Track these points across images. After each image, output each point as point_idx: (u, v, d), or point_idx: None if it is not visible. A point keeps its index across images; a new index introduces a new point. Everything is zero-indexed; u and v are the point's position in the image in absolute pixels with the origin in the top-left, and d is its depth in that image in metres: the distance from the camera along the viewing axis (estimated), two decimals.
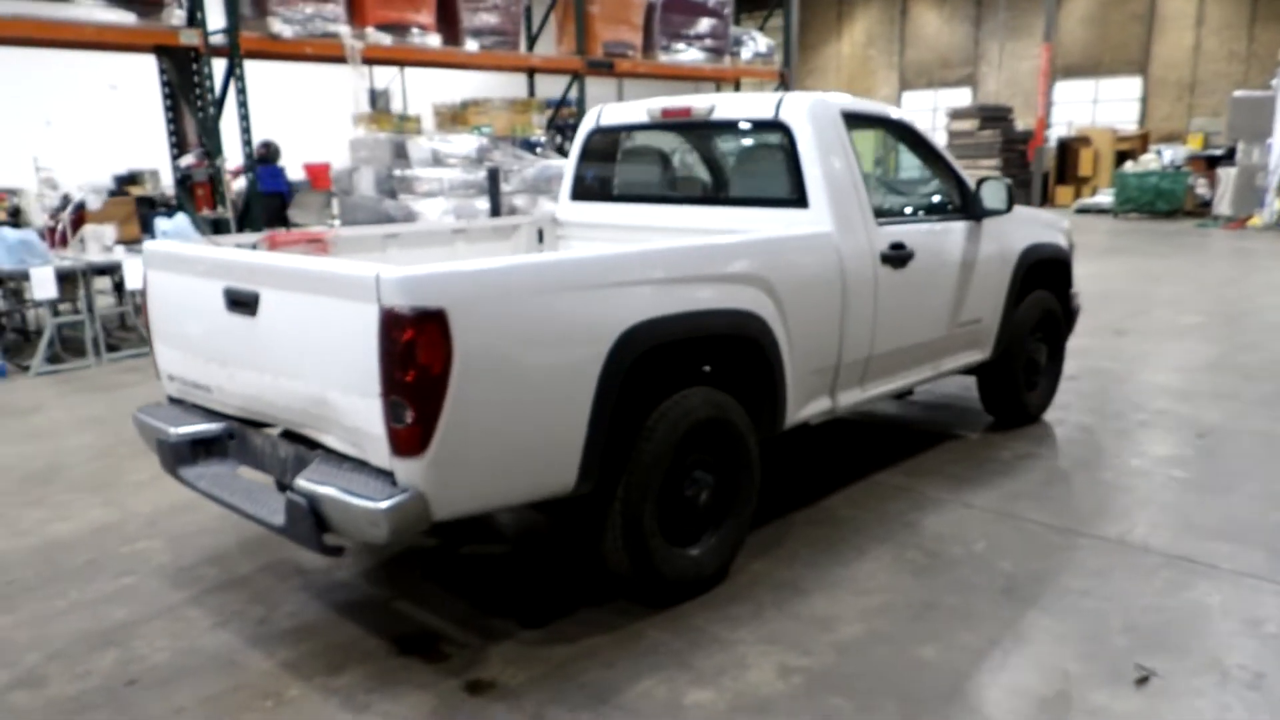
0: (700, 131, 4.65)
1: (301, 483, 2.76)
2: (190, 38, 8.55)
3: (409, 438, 2.58)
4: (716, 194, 4.60)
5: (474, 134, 10.81)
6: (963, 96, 28.94)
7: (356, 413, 2.70)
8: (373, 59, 9.87)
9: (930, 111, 28.93)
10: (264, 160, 11.53)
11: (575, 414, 2.90)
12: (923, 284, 4.37)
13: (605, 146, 4.84)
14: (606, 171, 4.87)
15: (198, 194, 9.53)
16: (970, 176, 4.83)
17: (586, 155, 4.89)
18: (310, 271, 2.80)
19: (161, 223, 8.76)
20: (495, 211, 10.83)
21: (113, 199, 9.77)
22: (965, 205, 4.70)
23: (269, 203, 11.02)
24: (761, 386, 3.64)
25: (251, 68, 9.20)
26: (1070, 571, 3.58)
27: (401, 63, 10.53)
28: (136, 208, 9.67)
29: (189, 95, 9.08)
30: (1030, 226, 5.22)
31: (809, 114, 3.98)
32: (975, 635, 3.14)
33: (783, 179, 4.07)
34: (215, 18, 8.88)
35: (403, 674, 2.96)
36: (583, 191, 4.91)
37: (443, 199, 10.21)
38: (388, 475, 2.68)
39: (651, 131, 4.73)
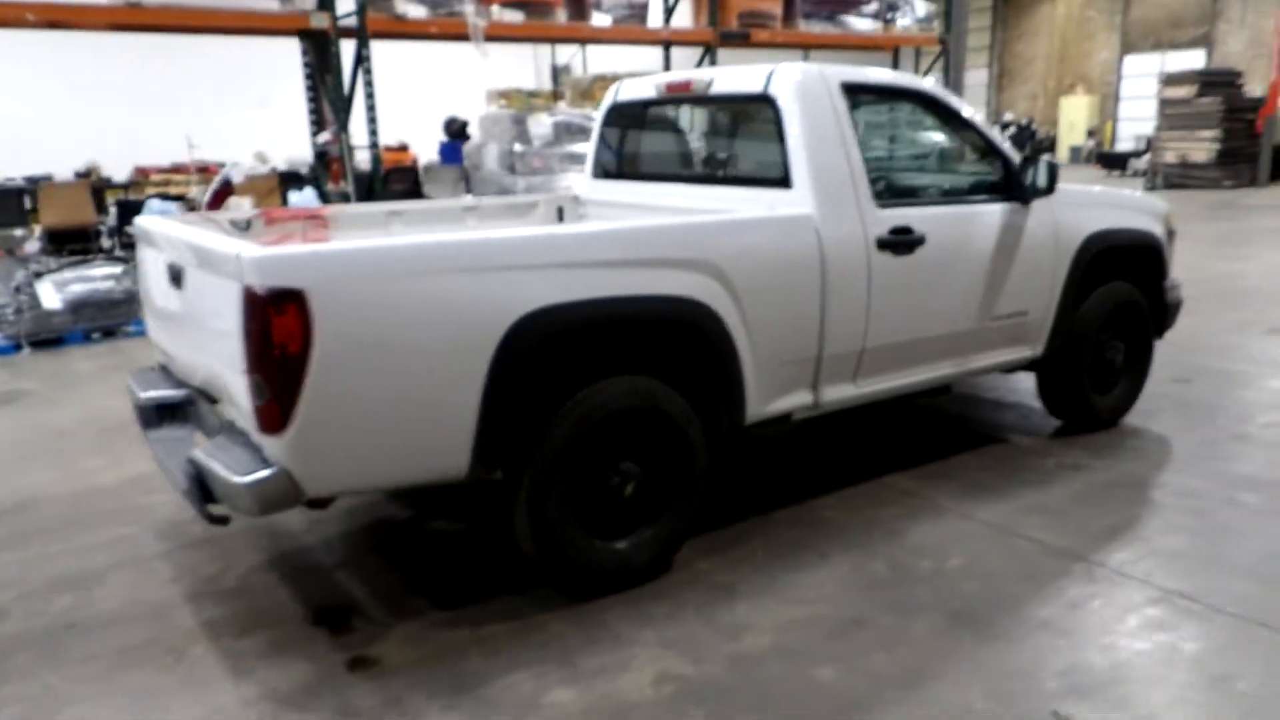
0: (702, 107, 4.44)
1: (195, 453, 2.87)
2: (320, 21, 9.04)
3: (269, 415, 2.63)
4: (715, 173, 4.39)
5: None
6: (1195, 59, 26.09)
7: (236, 388, 2.78)
8: (497, 35, 10.05)
9: (1153, 77, 26.35)
10: (455, 135, 12.00)
11: (462, 399, 2.86)
12: (939, 272, 4.00)
13: (623, 123, 4.71)
14: (624, 149, 4.75)
15: (332, 169, 10.14)
16: (1019, 156, 4.37)
17: (606, 132, 4.78)
18: (203, 248, 2.90)
19: (291, 195, 9.39)
20: None
21: (261, 176, 10.51)
22: (1008, 186, 4.25)
23: (448, 175, 11.49)
24: (714, 377, 3.45)
25: (395, 49, 9.62)
26: (1040, 599, 3.19)
27: (527, 39, 10.68)
28: (280, 182, 10.37)
29: (324, 76, 9.62)
30: (1101, 210, 4.66)
31: (797, 88, 3.71)
32: (890, 660, 2.86)
33: (770, 157, 3.82)
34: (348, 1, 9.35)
35: (302, 643, 3.04)
36: (602, 169, 4.82)
37: (563, 174, 10.36)
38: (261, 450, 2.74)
39: (663, 108, 4.56)
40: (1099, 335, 4.72)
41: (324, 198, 9.36)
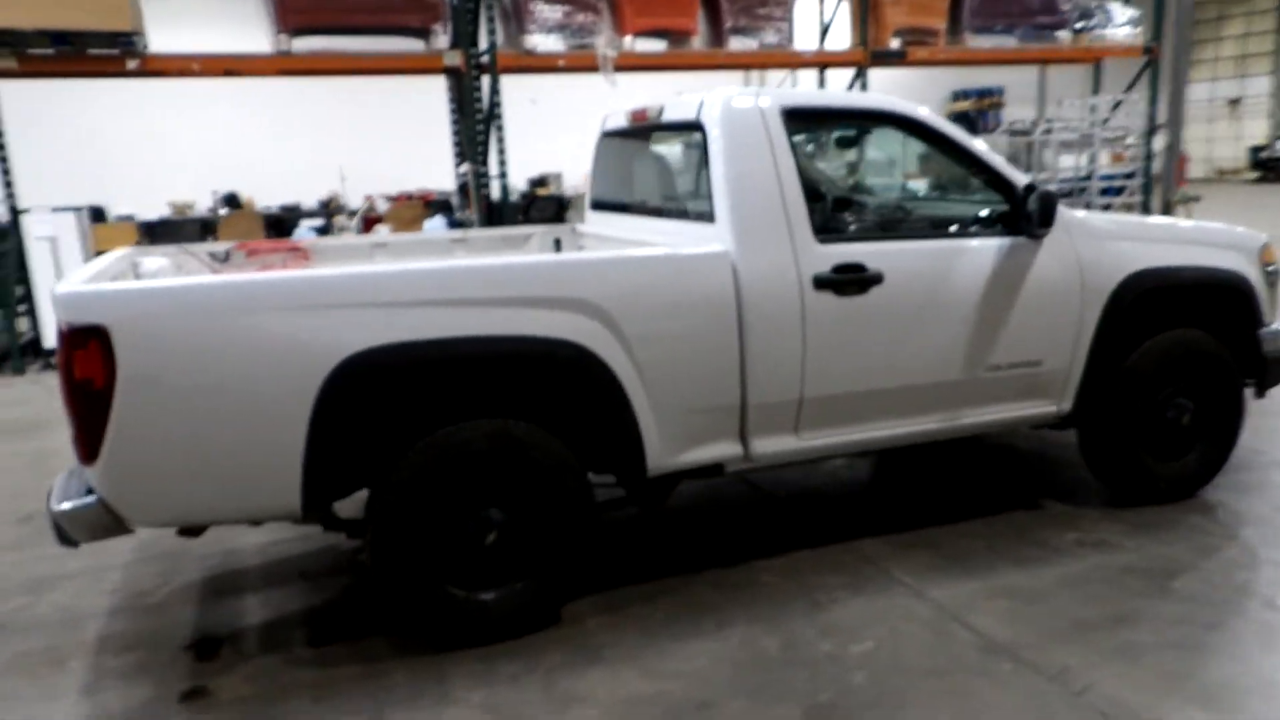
0: (656, 136, 4.19)
1: (58, 478, 3.03)
2: (453, 59, 9.48)
3: (80, 446, 2.72)
4: (670, 206, 4.10)
5: None
6: None
7: None
8: (629, 66, 10.10)
9: None
10: None
11: (286, 440, 2.82)
12: (904, 315, 3.54)
13: (610, 154, 4.55)
14: (611, 180, 4.58)
15: (470, 198, 10.57)
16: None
17: (597, 162, 4.64)
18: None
19: (426, 224, 9.89)
20: None
21: (403, 203, 11.16)
22: (1011, 218, 3.70)
23: None
24: (603, 425, 3.22)
25: (570, 82, 9.86)
26: (939, 703, 2.71)
27: (659, 68, 10.64)
28: (425, 209, 10.96)
29: (462, 110, 10.08)
30: (1151, 244, 3.96)
31: (723, 116, 3.42)
32: None
33: (702, 190, 3.55)
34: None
35: (162, 668, 3.11)
36: (596, 201, 4.68)
37: None
38: None
39: (639, 139, 4.35)
40: (1155, 391, 3.99)
41: (453, 224, 9.77)
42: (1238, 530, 3.81)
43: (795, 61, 10.99)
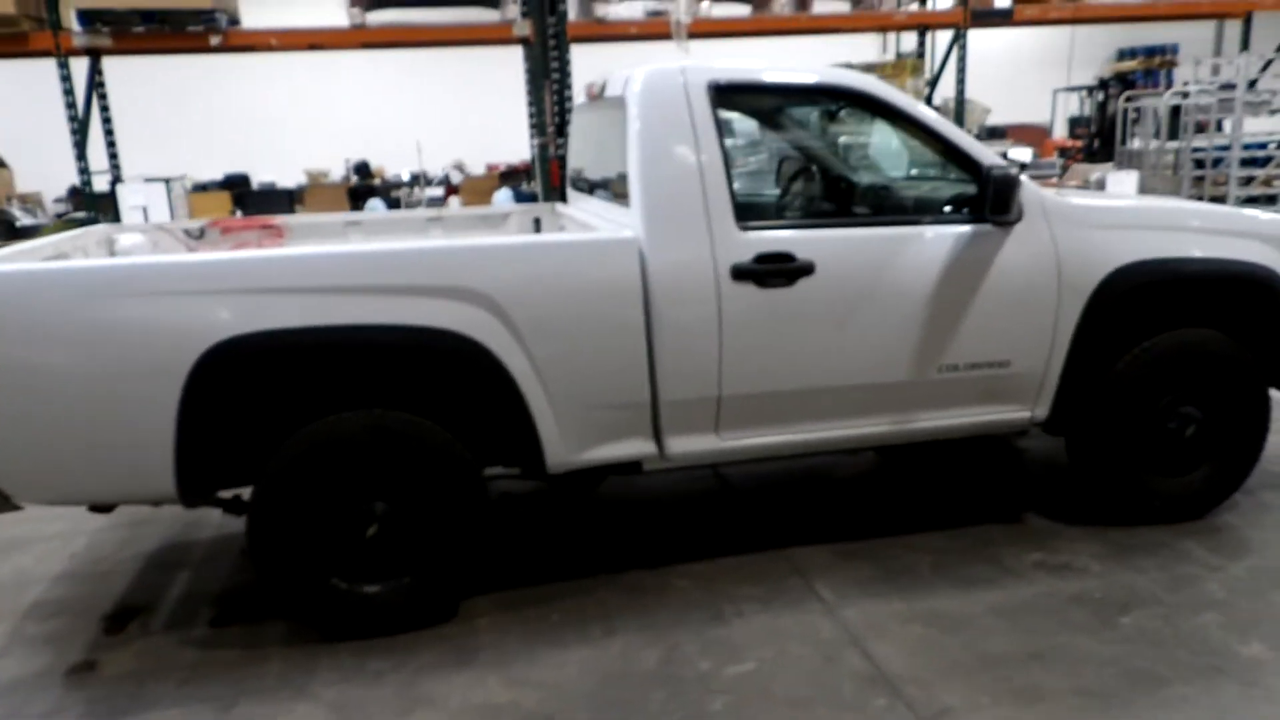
0: (605, 114, 3.97)
1: None
2: (522, 29, 9.43)
3: None
4: (614, 189, 3.89)
5: None
6: None
7: None
8: (705, 33, 9.80)
9: None
10: None
11: (155, 426, 2.83)
12: (839, 308, 3.26)
13: (579, 130, 4.37)
14: (579, 159, 4.41)
15: (554, 170, 10.55)
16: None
17: (572, 140, 4.48)
18: None
19: (495, 196, 9.95)
20: None
21: (481, 177, 11.23)
22: (976, 203, 3.34)
23: None
24: (497, 417, 3.11)
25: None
26: None
27: (739, 34, 10.25)
28: (501, 182, 11.01)
29: (537, 81, 10.03)
30: (1149, 233, 3.51)
31: (641, 92, 3.21)
32: None
33: (621, 171, 3.35)
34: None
35: (70, 638, 3.21)
36: (572, 180, 4.52)
37: None
38: None
39: (592, 116, 4.14)
40: (1152, 399, 3.56)
41: (520, 197, 9.78)
42: (1230, 562, 3.35)
43: (887, 23, 10.39)
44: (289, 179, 13.97)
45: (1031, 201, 3.39)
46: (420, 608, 3.14)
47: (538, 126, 10.30)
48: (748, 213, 3.24)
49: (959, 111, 10.69)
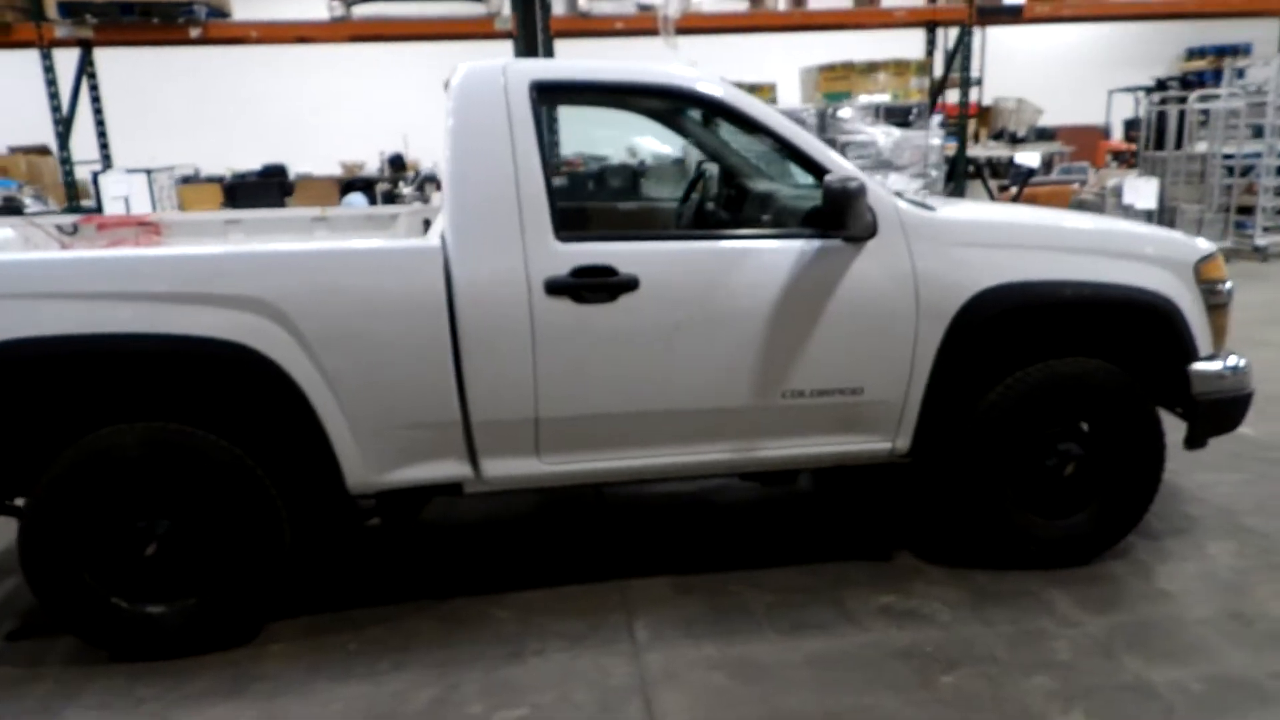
0: None
1: None
2: (505, 23, 9.28)
3: None
4: None
5: (825, 101, 9.90)
6: None
7: None
8: (693, 28, 9.54)
9: None
10: None
11: None
12: (667, 327, 3.03)
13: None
14: None
15: None
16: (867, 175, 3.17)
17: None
18: None
19: (349, 198, 9.82)
20: None
21: None
22: (824, 216, 3.07)
23: (669, 173, 11.42)
24: (290, 433, 2.95)
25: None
26: None
27: (728, 30, 9.96)
28: None
29: None
30: (1021, 252, 3.22)
31: (459, 87, 3.02)
32: None
33: None
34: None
35: None
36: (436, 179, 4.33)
37: None
38: None
39: None
40: (1027, 433, 3.27)
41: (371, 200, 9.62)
42: (1091, 618, 3.04)
43: (887, 20, 10.01)
44: (325, 170, 13.97)
45: (888, 215, 3.12)
46: (208, 631, 2.99)
47: None
48: (569, 222, 3.03)
49: (961, 110, 10.28)
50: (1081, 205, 11.20)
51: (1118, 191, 10.76)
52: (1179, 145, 11.13)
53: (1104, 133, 18.25)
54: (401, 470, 3.05)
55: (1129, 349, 3.37)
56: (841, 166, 3.12)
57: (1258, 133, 10.96)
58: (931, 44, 10.89)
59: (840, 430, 3.25)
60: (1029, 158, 10.35)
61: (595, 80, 3.14)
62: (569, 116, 8.16)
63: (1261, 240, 10.86)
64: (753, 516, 3.96)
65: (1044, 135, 15.06)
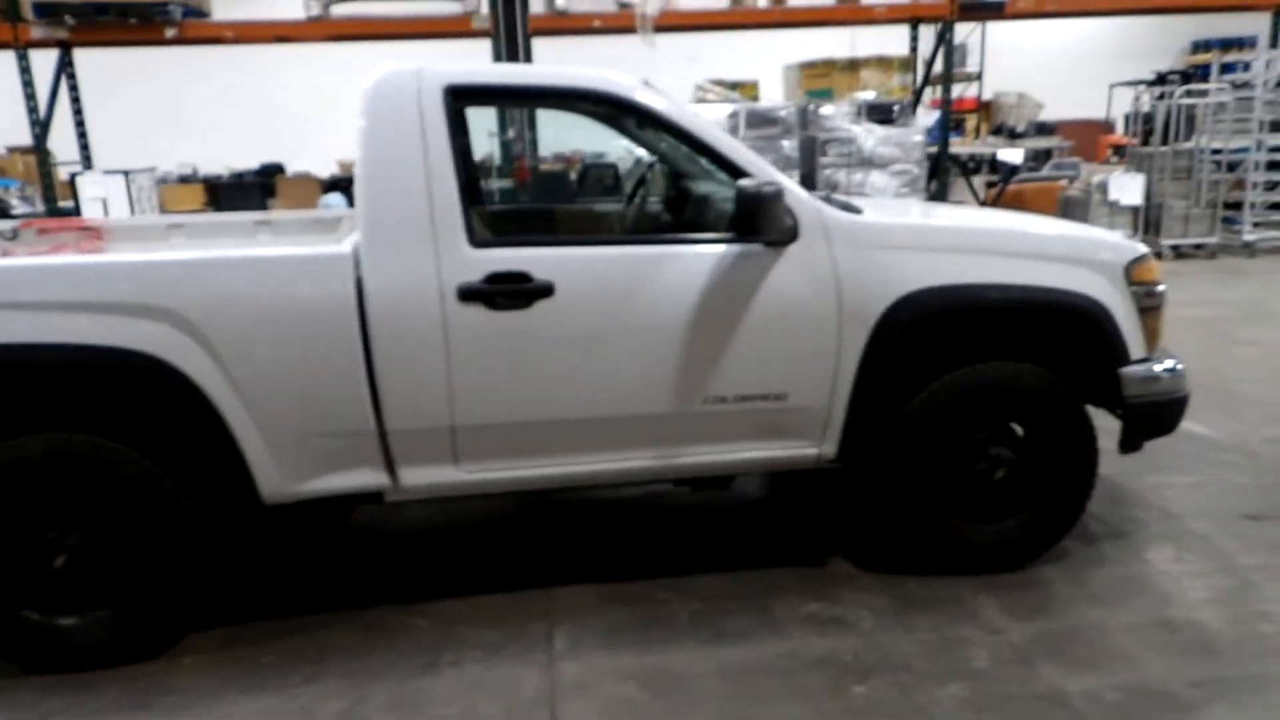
0: None
1: None
2: (481, 22, 9.25)
3: None
4: None
5: (807, 99, 9.86)
6: None
7: None
8: (673, 26, 9.50)
9: None
10: None
11: None
12: (584, 333, 3.00)
13: None
14: None
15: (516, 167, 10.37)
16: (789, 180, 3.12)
17: None
18: None
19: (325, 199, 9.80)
20: (809, 187, 9.85)
21: None
22: (737, 221, 3.02)
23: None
24: (202, 444, 2.92)
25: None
26: None
27: (708, 27, 9.91)
28: None
29: None
30: (947, 255, 3.17)
31: (372, 90, 2.98)
32: None
33: None
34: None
35: None
36: None
37: None
38: None
39: None
40: (957, 438, 3.23)
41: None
42: (1016, 624, 3.00)
43: (868, 16, 9.95)
44: (324, 170, 13.94)
45: (810, 219, 3.08)
46: (123, 643, 2.97)
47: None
48: (485, 228, 3.00)
49: (945, 106, 10.21)
50: (1068, 202, 11.13)
51: (1103, 188, 10.68)
52: (1165, 140, 11.02)
53: (1106, 127, 18.12)
54: (317, 479, 3.02)
55: (1062, 352, 3.32)
56: (762, 170, 3.07)
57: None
58: (915, 40, 10.81)
59: (765, 436, 3.21)
60: (1012, 154, 10.29)
61: (511, 84, 3.10)
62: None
63: (1250, 235, 10.78)
64: (691, 522, 3.92)
65: (1044, 130, 14.98)
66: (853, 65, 10.32)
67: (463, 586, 3.39)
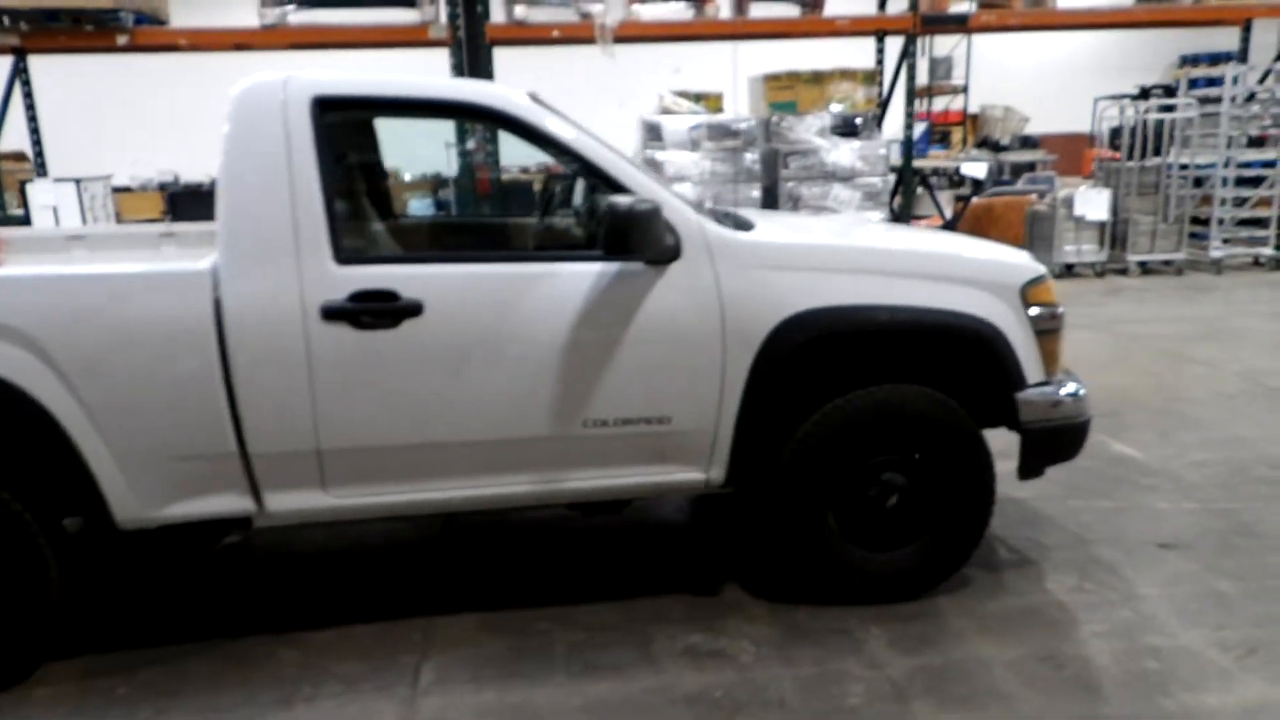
0: None
1: None
2: (439, 32, 9.17)
3: None
4: None
5: (770, 111, 9.78)
6: None
7: None
8: (632, 36, 9.42)
9: None
10: None
11: None
12: (455, 354, 2.90)
13: None
14: None
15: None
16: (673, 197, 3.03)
17: None
18: None
19: (411, 204, 9.69)
20: (771, 201, 9.79)
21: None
22: (608, 239, 2.89)
23: None
24: (53, 466, 2.81)
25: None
26: None
27: (667, 38, 9.84)
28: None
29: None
30: (834, 276, 3.07)
31: (236, 100, 2.88)
32: None
33: None
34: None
35: None
36: None
37: (694, 185, 9.57)
38: None
39: None
40: (847, 463, 3.13)
41: (439, 205, 9.51)
42: (899, 659, 2.90)
43: (831, 29, 9.88)
44: None
45: (692, 238, 2.99)
46: None
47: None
48: (352, 244, 2.90)
49: (908, 119, 10.14)
50: (1035, 217, 11.06)
51: (1069, 203, 10.62)
52: (1131, 155, 10.96)
53: (1091, 141, 18.09)
54: (177, 505, 2.92)
55: (958, 376, 3.23)
56: (642, 186, 2.98)
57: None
58: (881, 53, 10.75)
59: (650, 460, 3.11)
60: (976, 169, 10.23)
61: (383, 95, 3.00)
62: None
63: (1217, 252, 10.71)
64: (591, 547, 3.81)
65: (1029, 143, 14.95)
66: (818, 78, 10.25)
67: (344, 614, 3.28)
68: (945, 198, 12.28)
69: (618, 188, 2.98)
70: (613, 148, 3.06)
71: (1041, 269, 3.27)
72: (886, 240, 3.41)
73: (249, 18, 9.24)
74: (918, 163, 10.78)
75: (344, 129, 3.37)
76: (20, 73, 9.45)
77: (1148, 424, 5.11)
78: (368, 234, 3.12)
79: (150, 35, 8.93)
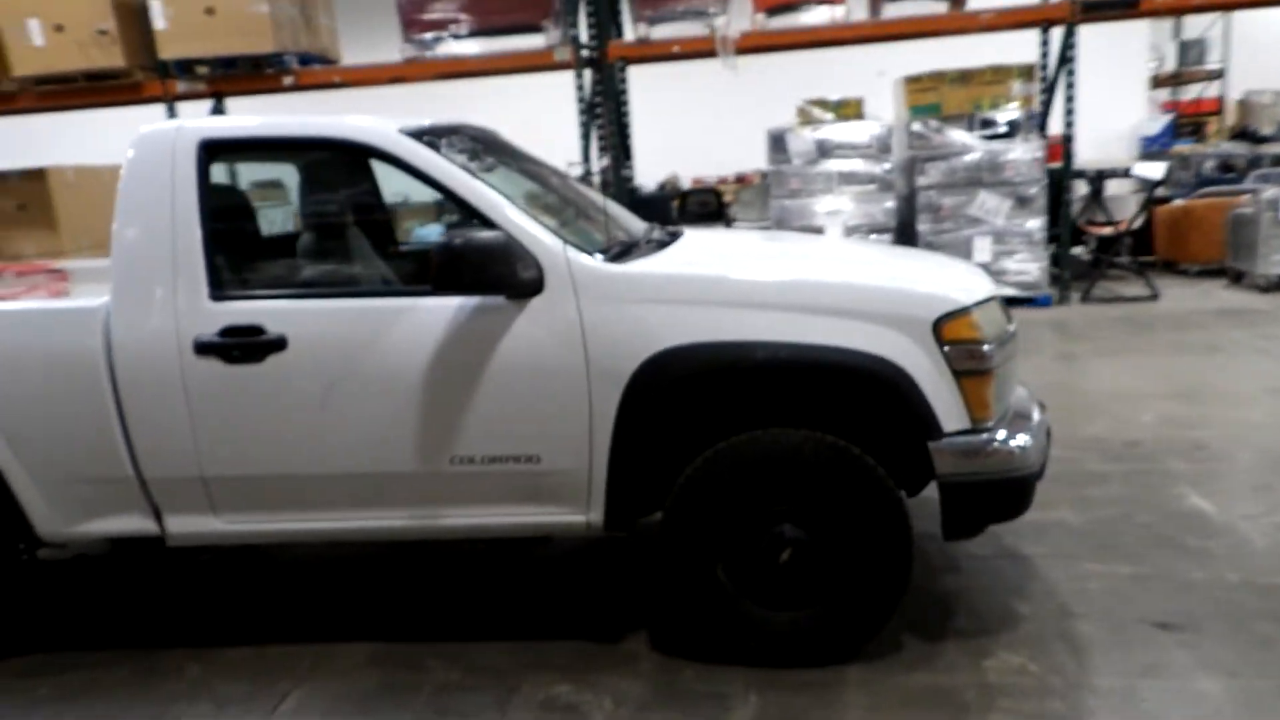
0: None
1: None
2: (563, 55, 9.35)
3: None
4: None
5: (911, 115, 9.25)
6: None
7: None
8: (756, 47, 9.17)
9: None
10: None
11: None
12: (316, 388, 2.94)
13: None
14: None
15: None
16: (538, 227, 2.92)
17: None
18: None
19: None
20: (908, 212, 9.26)
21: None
22: (438, 274, 2.76)
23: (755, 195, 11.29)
24: None
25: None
26: None
27: (793, 46, 9.41)
28: None
29: (590, 105, 9.91)
30: (709, 311, 2.81)
31: (132, 147, 3.07)
32: None
33: None
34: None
35: None
36: None
37: (831, 196, 9.21)
38: None
39: None
40: (737, 511, 2.87)
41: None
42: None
43: (971, 24, 9.13)
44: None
45: (556, 270, 2.85)
46: None
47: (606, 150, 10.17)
48: (229, 281, 3.01)
49: (1044, 111, 9.16)
50: (1238, 220, 9.69)
51: (1273, 204, 9.20)
52: None
53: None
54: (90, 522, 3.16)
55: (865, 422, 2.87)
56: (505, 220, 2.87)
57: None
58: (1046, 45, 9.81)
59: (524, 500, 3.00)
60: (1151, 169, 9.09)
61: (260, 136, 3.10)
62: None
63: None
64: (531, 580, 3.72)
65: None
66: (964, 77, 9.53)
67: (270, 633, 3.39)
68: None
69: (486, 222, 2.89)
70: (488, 181, 2.97)
71: (964, 301, 2.82)
72: (794, 268, 3.09)
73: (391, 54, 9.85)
74: (1084, 163, 9.73)
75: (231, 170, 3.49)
76: (217, 113, 10.60)
77: (1255, 474, 4.32)
78: (247, 270, 3.22)
79: (312, 75, 9.72)
